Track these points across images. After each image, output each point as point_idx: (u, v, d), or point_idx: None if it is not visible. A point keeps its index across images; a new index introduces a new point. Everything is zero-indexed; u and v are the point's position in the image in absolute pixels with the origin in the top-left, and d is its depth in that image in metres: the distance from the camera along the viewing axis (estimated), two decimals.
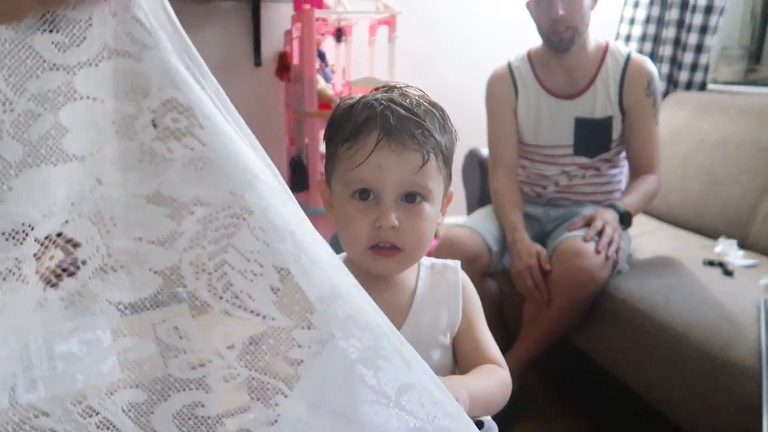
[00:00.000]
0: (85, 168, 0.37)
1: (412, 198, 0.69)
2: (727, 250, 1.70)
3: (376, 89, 0.74)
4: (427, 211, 0.70)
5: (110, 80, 0.37)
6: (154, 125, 0.38)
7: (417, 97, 0.71)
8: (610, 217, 1.57)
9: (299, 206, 0.45)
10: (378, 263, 0.70)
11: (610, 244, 1.51)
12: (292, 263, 0.40)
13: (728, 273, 1.55)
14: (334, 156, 0.71)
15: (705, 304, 1.38)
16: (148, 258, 0.40)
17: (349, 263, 0.69)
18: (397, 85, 0.74)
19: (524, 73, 1.75)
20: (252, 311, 0.40)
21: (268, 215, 0.40)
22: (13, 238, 0.35)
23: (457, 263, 0.82)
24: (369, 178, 0.67)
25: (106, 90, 0.37)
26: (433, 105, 0.73)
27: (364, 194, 0.69)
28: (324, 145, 0.74)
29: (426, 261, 0.82)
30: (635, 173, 1.73)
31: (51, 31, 0.34)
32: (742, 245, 1.75)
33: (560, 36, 1.62)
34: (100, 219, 0.38)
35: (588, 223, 1.58)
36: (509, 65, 1.78)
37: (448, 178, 0.75)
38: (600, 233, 1.53)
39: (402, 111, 0.67)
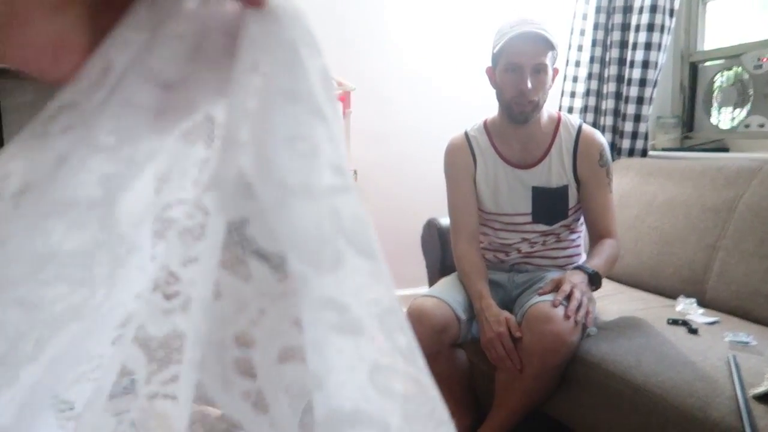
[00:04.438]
0: None
1: None
2: (688, 308, 1.73)
3: None
4: None
5: None
6: None
7: None
8: (579, 279, 1.58)
9: None
10: None
11: (579, 308, 1.51)
12: None
13: (693, 331, 1.57)
14: None
15: (677, 363, 1.38)
16: None
17: None
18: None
19: (481, 142, 1.79)
20: None
21: None
22: None
23: None
24: None
25: None
26: None
27: None
28: None
29: None
30: (594, 239, 1.76)
31: None
32: (700, 303, 1.79)
33: (522, 109, 1.66)
34: None
35: (556, 287, 1.58)
36: (466, 134, 1.82)
37: None
38: (568, 297, 1.53)
39: None
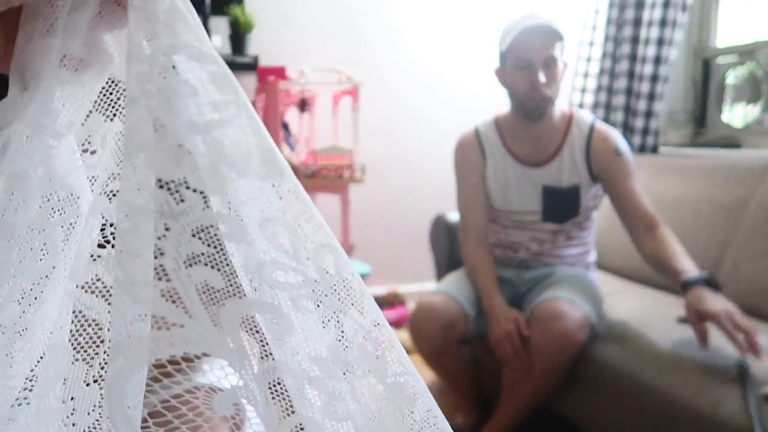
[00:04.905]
0: None
1: None
2: None
3: None
4: None
5: None
6: None
7: None
8: (713, 304, 1.33)
9: None
10: None
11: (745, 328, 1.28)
12: None
13: None
14: None
15: (686, 362, 1.37)
16: None
17: None
18: None
19: (492, 139, 1.78)
20: None
21: None
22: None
23: None
24: None
25: None
26: None
27: None
28: None
29: None
30: (638, 231, 1.61)
31: None
32: None
33: (536, 104, 1.62)
34: None
35: (701, 319, 1.33)
36: (476, 131, 1.81)
37: None
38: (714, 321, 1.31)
39: None
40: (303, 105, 2.48)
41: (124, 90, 0.36)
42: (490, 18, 2.81)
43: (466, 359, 1.76)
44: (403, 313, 2.63)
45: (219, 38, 2.46)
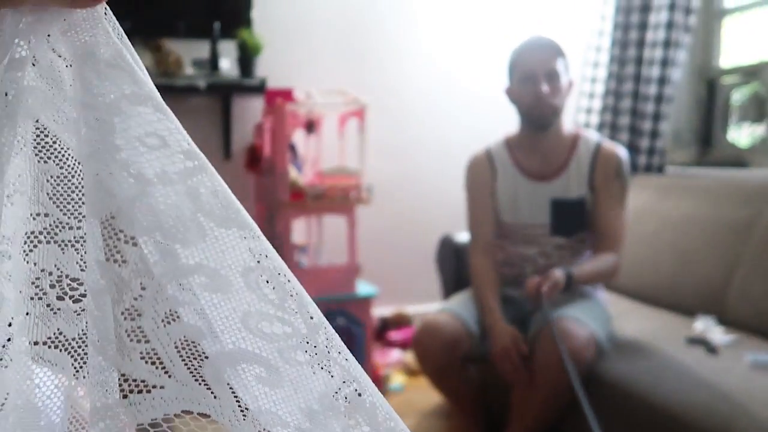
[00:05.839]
0: None
1: None
2: (707, 327, 1.71)
3: None
4: None
5: None
6: None
7: None
8: (558, 276, 1.60)
9: None
10: None
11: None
12: None
13: (712, 351, 1.54)
14: None
15: (696, 384, 1.36)
16: None
17: None
18: None
19: (502, 157, 1.82)
20: None
21: None
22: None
23: None
24: None
25: None
26: None
27: None
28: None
29: None
30: (596, 250, 1.75)
31: None
32: (720, 321, 1.76)
33: (541, 112, 1.69)
34: None
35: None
36: (487, 150, 1.85)
37: None
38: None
39: None
40: (310, 126, 2.50)
41: (56, 137, 0.34)
42: (496, 40, 2.84)
43: (471, 379, 1.76)
44: (410, 335, 2.61)
45: (227, 61, 2.49)
